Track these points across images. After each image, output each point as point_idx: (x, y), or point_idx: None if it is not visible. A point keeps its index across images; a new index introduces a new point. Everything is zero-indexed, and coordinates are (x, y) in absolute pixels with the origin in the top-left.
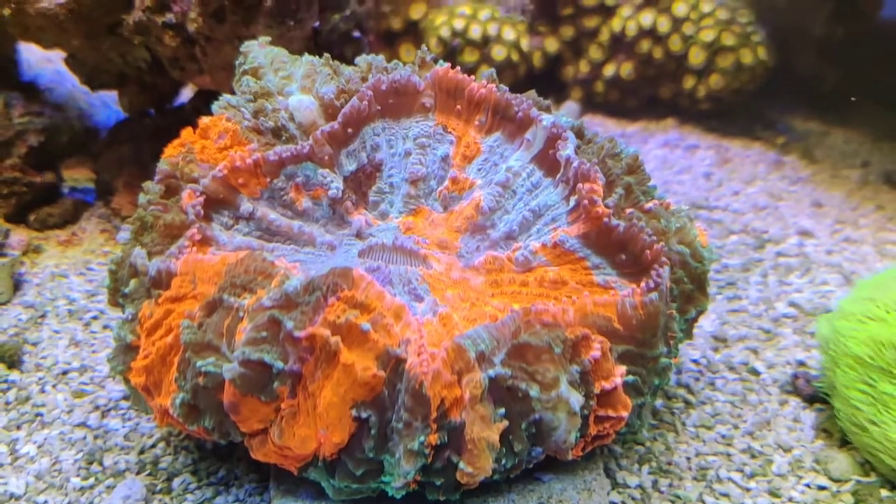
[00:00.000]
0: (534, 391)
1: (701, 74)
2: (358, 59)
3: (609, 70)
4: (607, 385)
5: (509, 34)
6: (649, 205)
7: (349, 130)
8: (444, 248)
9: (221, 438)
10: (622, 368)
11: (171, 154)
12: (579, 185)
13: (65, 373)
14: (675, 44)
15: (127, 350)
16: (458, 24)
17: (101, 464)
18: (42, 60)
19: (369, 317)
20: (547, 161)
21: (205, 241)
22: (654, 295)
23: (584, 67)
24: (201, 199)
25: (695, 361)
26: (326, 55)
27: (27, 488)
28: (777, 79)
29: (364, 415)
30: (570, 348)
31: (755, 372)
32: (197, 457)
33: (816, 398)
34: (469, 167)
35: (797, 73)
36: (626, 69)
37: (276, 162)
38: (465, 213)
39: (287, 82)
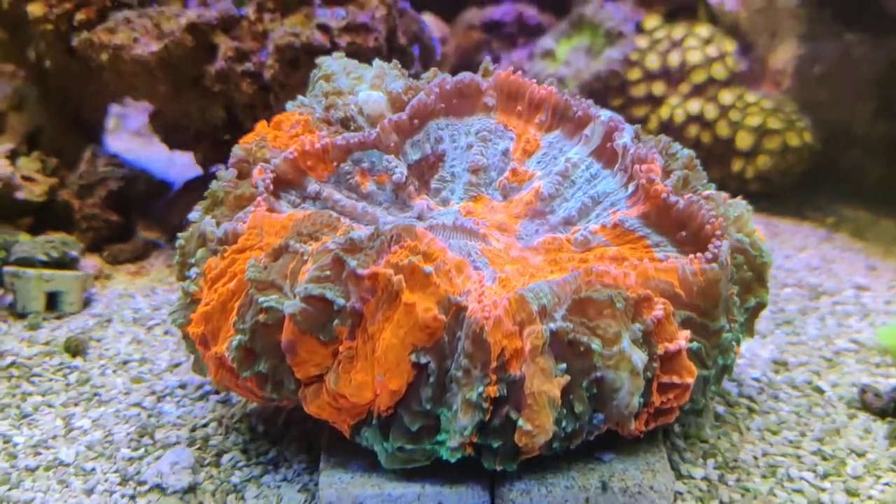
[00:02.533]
0: (595, 344)
1: (748, 156)
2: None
3: None
4: (671, 347)
5: None
6: (707, 192)
7: (415, 122)
8: (504, 231)
9: (274, 391)
10: (686, 332)
11: (246, 141)
12: (637, 167)
13: (125, 363)
14: (723, 129)
15: (189, 304)
16: None
17: (152, 437)
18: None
19: (432, 264)
20: (605, 154)
21: (271, 211)
22: (713, 265)
23: None
24: (271, 174)
25: (755, 379)
26: (395, 61)
27: (76, 457)
28: (822, 171)
29: (423, 360)
30: (632, 307)
31: (819, 390)
32: (248, 438)
33: (887, 412)
34: (528, 161)
35: (842, 166)
36: None
37: (344, 147)
38: (525, 200)
39: (357, 83)
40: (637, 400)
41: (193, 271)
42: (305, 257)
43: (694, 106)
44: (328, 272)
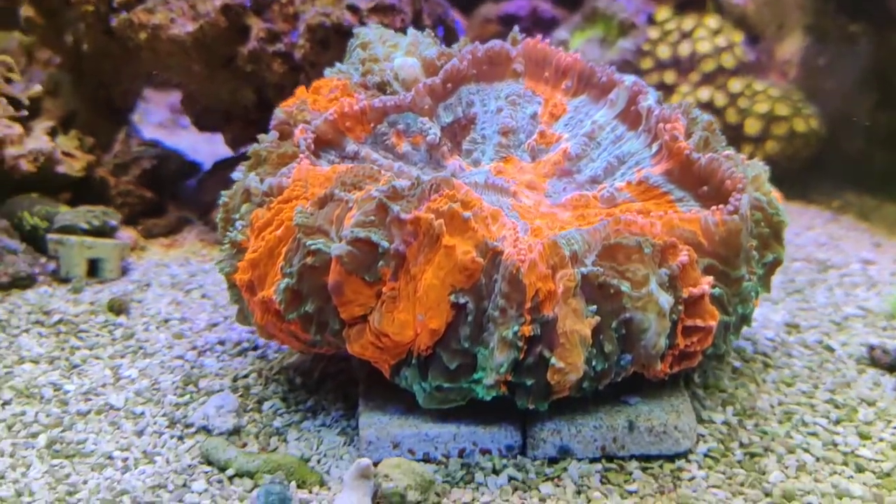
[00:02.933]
0: (625, 286)
1: (757, 142)
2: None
3: None
4: (695, 291)
5: None
6: (726, 153)
7: (448, 86)
8: (533, 189)
9: (317, 332)
10: (709, 278)
11: (287, 105)
12: (661, 126)
13: (166, 321)
14: (732, 115)
15: (235, 254)
16: None
17: (196, 385)
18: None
19: (470, 210)
20: (630, 117)
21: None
22: (734, 216)
23: None
24: (312, 134)
25: (769, 339)
26: (428, 30)
27: (126, 402)
28: (827, 157)
29: (462, 300)
30: (659, 252)
31: (830, 348)
32: (287, 388)
33: (895, 367)
34: (556, 124)
35: (846, 154)
36: None
37: (381, 109)
38: (553, 160)
39: (393, 50)
40: (664, 341)
41: (239, 224)
42: (350, 204)
43: (704, 94)
44: (373, 217)
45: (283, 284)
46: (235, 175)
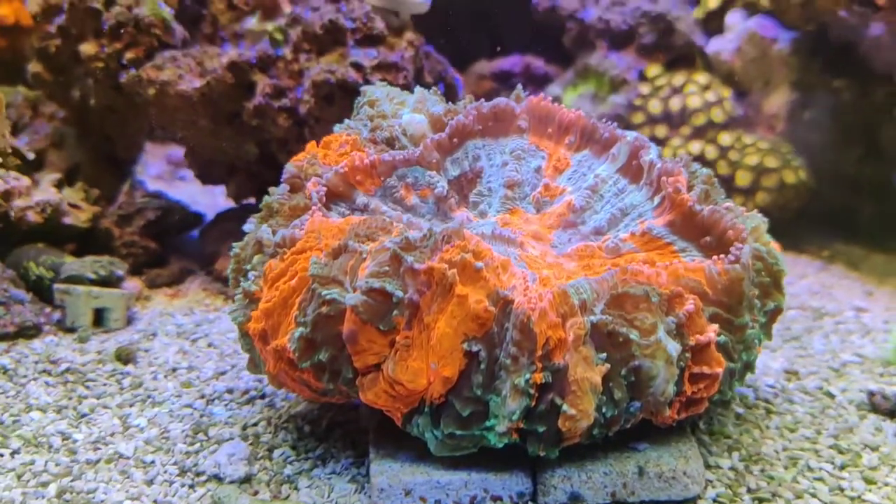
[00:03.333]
0: (634, 335)
1: (748, 193)
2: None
3: None
4: (702, 338)
5: None
6: (726, 204)
7: (454, 140)
8: (539, 240)
9: (330, 380)
10: (714, 326)
11: (297, 159)
12: (664, 179)
13: (174, 370)
14: (723, 168)
15: (248, 304)
16: None
17: (206, 434)
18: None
19: (481, 260)
20: (631, 170)
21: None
22: (736, 265)
23: None
24: (324, 187)
25: (770, 385)
26: (434, 88)
27: (136, 451)
28: (816, 208)
29: (475, 348)
30: (666, 301)
31: (830, 395)
32: (296, 436)
33: (895, 413)
34: (559, 177)
35: (833, 205)
36: None
37: (390, 163)
38: (558, 212)
39: (400, 107)
40: (672, 387)
41: (251, 275)
42: (364, 255)
43: (695, 147)
44: (387, 267)
45: (297, 333)
46: (247, 227)
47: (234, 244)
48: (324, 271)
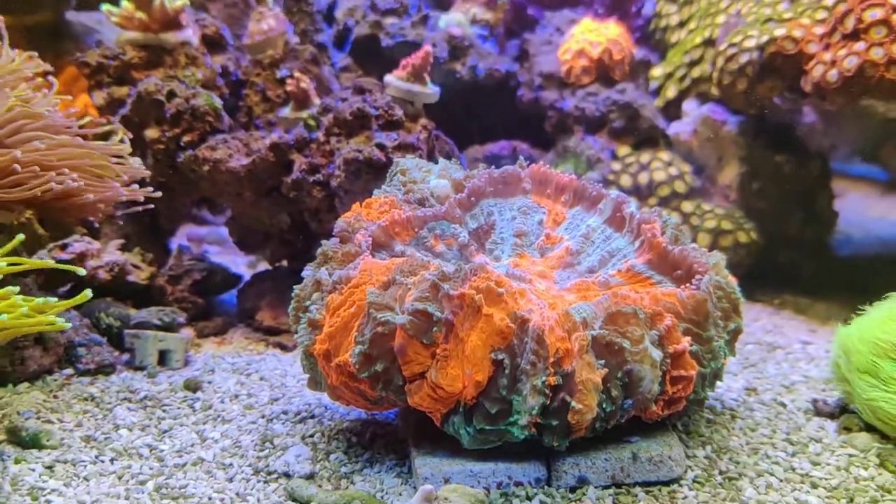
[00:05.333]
0: (626, 344)
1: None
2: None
3: None
4: (678, 347)
5: None
6: (692, 245)
7: (472, 199)
8: (543, 278)
9: (383, 388)
10: (687, 338)
11: (346, 217)
12: (643, 226)
13: (236, 396)
14: (686, 231)
15: (312, 330)
16: None
17: (272, 443)
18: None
19: (502, 288)
20: (616, 221)
21: None
22: (700, 290)
23: None
24: (370, 237)
25: (734, 399)
26: (455, 159)
27: (215, 456)
28: (766, 265)
29: (500, 357)
30: (649, 318)
31: (783, 404)
32: (346, 445)
33: (834, 414)
34: (558, 228)
35: (781, 262)
36: None
37: (422, 218)
38: (558, 255)
39: (427, 174)
40: (656, 387)
41: (313, 308)
42: (409, 286)
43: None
44: (427, 294)
45: (357, 349)
46: (305, 273)
47: (295, 286)
48: (378, 299)
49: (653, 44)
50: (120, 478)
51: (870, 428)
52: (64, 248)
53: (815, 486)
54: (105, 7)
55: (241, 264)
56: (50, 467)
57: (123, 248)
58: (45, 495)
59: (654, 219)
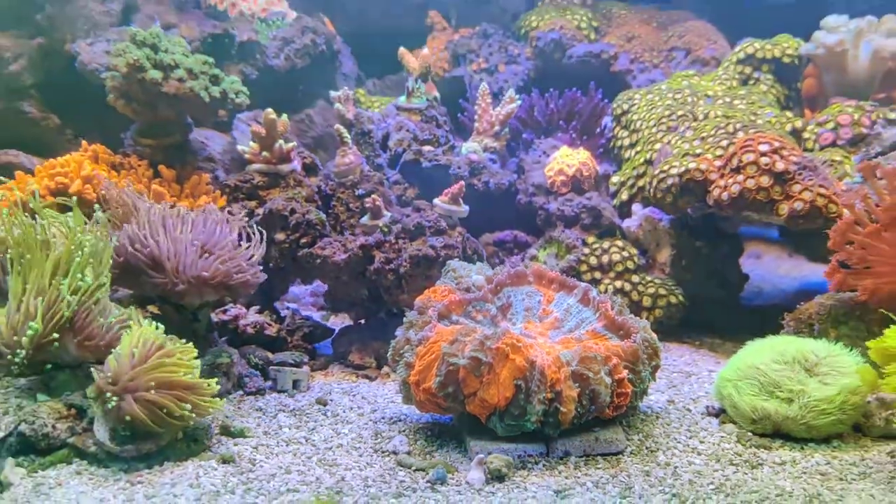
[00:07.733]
0: (590, 375)
1: (650, 310)
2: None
3: None
4: (621, 376)
5: None
6: (630, 316)
7: (497, 288)
8: (542, 335)
9: (452, 401)
10: (626, 371)
11: (420, 298)
12: (601, 304)
13: (351, 408)
14: (635, 296)
15: (406, 368)
16: None
17: (381, 436)
18: None
19: (521, 343)
20: (585, 301)
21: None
22: (634, 344)
23: None
24: (437, 312)
25: (659, 407)
26: (485, 263)
27: (348, 443)
28: (691, 318)
29: (519, 383)
30: (604, 359)
31: (689, 410)
32: (426, 435)
33: (717, 415)
34: (550, 305)
35: (702, 316)
36: None
37: (469, 300)
38: (550, 322)
39: (469, 272)
40: (608, 399)
41: (406, 355)
42: (466, 342)
43: (618, 283)
44: (478, 347)
45: (436, 380)
46: (398, 332)
47: (392, 341)
48: (449, 349)
49: (612, 157)
50: (294, 455)
51: (733, 421)
52: (225, 311)
53: (699, 453)
54: (240, 147)
55: (317, 317)
56: (255, 448)
57: (259, 311)
58: (258, 463)
59: (607, 299)
